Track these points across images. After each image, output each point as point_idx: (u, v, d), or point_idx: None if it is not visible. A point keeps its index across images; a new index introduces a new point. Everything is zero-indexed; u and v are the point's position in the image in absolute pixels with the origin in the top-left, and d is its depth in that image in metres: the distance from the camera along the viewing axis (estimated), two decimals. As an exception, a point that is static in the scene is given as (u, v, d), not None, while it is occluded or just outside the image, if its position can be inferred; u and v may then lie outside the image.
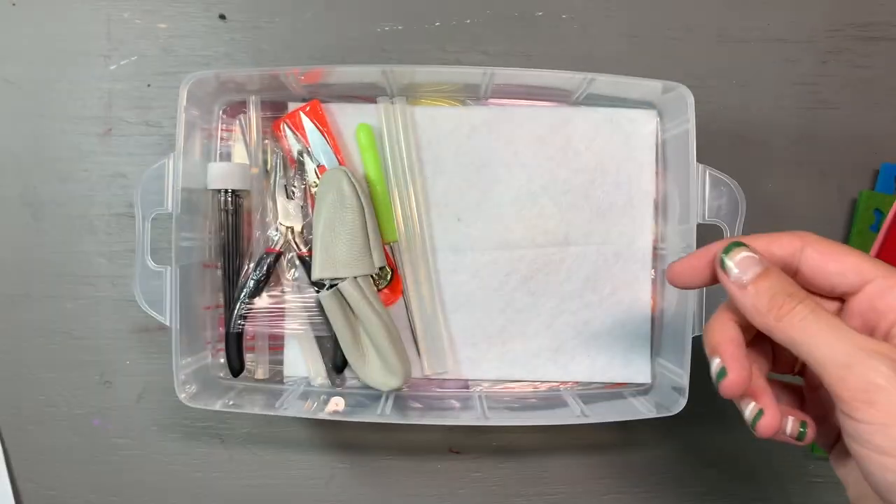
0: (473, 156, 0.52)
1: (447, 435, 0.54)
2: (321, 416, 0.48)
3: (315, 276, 0.48)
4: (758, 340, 0.34)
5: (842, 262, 0.31)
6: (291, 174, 0.51)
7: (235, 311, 0.49)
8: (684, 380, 0.47)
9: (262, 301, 0.50)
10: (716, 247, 0.33)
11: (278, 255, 0.50)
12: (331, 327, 0.49)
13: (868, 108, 0.55)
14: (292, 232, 0.50)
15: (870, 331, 0.30)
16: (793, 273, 0.32)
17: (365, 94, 0.52)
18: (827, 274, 0.31)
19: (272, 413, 0.47)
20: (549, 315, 0.52)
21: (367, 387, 0.50)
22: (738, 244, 0.32)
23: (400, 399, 0.50)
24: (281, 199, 0.50)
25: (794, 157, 0.54)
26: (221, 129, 0.52)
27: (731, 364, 0.31)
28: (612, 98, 0.51)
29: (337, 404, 0.49)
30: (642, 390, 0.52)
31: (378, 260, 0.48)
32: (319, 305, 0.49)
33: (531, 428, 0.54)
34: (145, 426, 0.54)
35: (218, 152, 0.52)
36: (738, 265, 0.31)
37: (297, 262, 0.51)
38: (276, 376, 0.52)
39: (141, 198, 0.46)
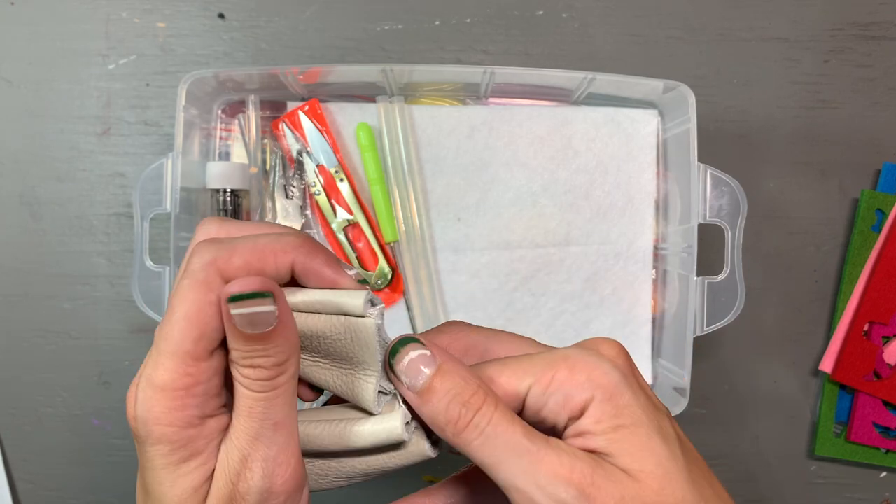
0: (473, 155, 0.52)
1: (447, 436, 0.54)
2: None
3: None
4: None
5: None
6: (290, 174, 0.51)
7: (234, 312, 0.49)
8: (685, 381, 0.46)
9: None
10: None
11: (277, 256, 0.50)
12: None
13: (870, 107, 0.54)
14: (291, 232, 0.50)
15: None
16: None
17: (364, 94, 0.51)
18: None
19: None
20: (550, 315, 0.52)
21: None
22: (405, 341, 0.27)
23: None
24: (280, 198, 0.50)
25: (795, 156, 0.54)
26: (220, 129, 0.52)
27: None
28: (613, 97, 0.51)
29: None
30: (643, 391, 0.52)
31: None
32: None
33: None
34: (144, 427, 0.53)
35: (217, 152, 0.51)
36: (407, 371, 0.26)
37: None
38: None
39: (139, 197, 0.46)
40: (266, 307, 0.24)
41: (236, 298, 0.24)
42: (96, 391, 0.53)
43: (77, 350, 0.53)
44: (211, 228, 0.27)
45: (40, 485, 0.54)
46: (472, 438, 0.25)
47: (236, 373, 0.25)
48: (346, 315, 0.26)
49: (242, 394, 0.25)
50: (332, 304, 0.26)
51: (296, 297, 0.27)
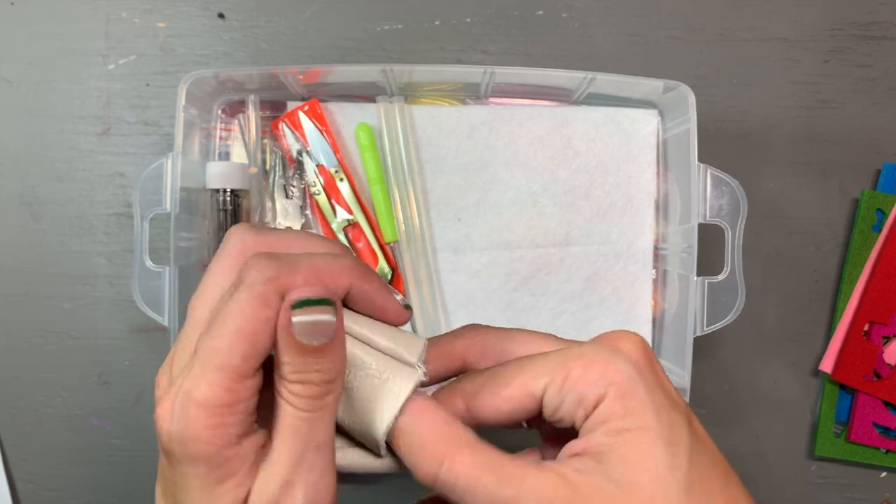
0: (473, 155, 0.52)
1: (447, 436, 0.54)
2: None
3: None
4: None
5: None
6: (290, 174, 0.51)
7: (234, 312, 0.49)
8: (686, 381, 0.46)
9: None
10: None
11: (277, 256, 0.50)
12: None
13: (870, 107, 0.54)
14: (291, 232, 0.50)
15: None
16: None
17: (364, 94, 0.51)
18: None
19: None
20: (550, 315, 0.52)
21: None
22: None
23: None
24: (280, 198, 0.50)
25: (795, 156, 0.54)
26: (220, 129, 0.52)
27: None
28: (613, 97, 0.51)
29: None
30: (643, 391, 0.52)
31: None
32: None
33: (531, 429, 0.53)
34: (144, 427, 0.54)
35: (217, 152, 0.51)
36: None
37: (297, 263, 0.50)
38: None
39: (139, 197, 0.46)
40: (328, 316, 0.24)
41: (302, 304, 0.23)
42: (96, 391, 0.53)
43: (77, 350, 0.53)
44: (247, 237, 0.27)
45: (40, 485, 0.54)
46: (447, 491, 0.25)
47: (283, 389, 0.24)
48: (392, 358, 0.27)
49: (288, 412, 0.24)
50: (384, 344, 0.27)
51: (346, 320, 0.27)
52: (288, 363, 0.24)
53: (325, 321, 0.24)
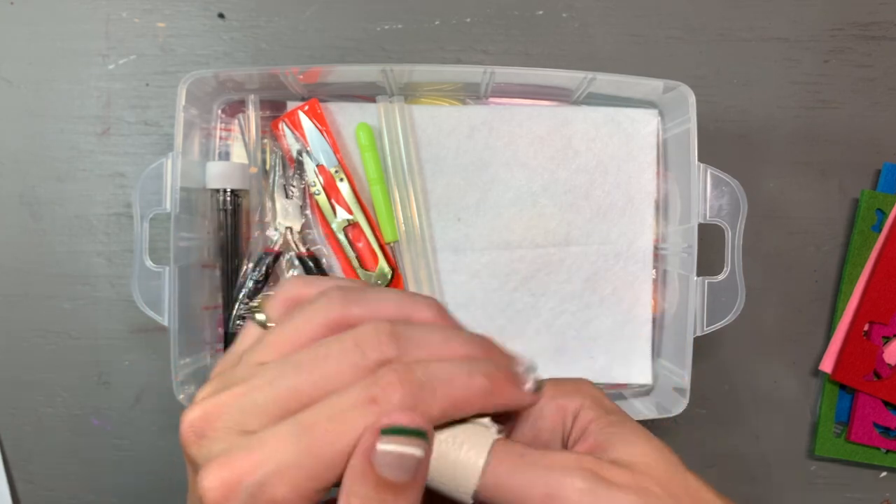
0: (473, 155, 0.52)
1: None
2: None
3: None
4: None
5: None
6: (290, 174, 0.51)
7: (234, 312, 0.49)
8: (685, 381, 0.46)
9: (261, 301, 0.50)
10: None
11: (277, 256, 0.50)
12: None
13: (870, 107, 0.54)
14: (291, 232, 0.50)
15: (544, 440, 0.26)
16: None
17: (364, 94, 0.51)
18: None
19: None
20: (550, 315, 0.52)
21: None
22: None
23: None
24: (280, 198, 0.50)
25: (795, 156, 0.54)
26: (220, 129, 0.52)
27: None
28: (613, 97, 0.51)
29: None
30: (643, 391, 0.52)
31: None
32: None
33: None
34: (144, 427, 0.54)
35: (217, 152, 0.51)
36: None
37: (296, 262, 0.51)
38: (276, 377, 0.52)
39: (139, 197, 0.46)
40: (418, 451, 0.21)
41: (395, 431, 0.21)
42: (96, 391, 0.53)
43: (77, 350, 0.53)
44: (384, 339, 0.23)
45: (40, 485, 0.54)
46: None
47: None
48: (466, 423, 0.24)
49: None
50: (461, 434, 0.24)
51: None
52: (359, 497, 0.21)
53: (413, 456, 0.21)
